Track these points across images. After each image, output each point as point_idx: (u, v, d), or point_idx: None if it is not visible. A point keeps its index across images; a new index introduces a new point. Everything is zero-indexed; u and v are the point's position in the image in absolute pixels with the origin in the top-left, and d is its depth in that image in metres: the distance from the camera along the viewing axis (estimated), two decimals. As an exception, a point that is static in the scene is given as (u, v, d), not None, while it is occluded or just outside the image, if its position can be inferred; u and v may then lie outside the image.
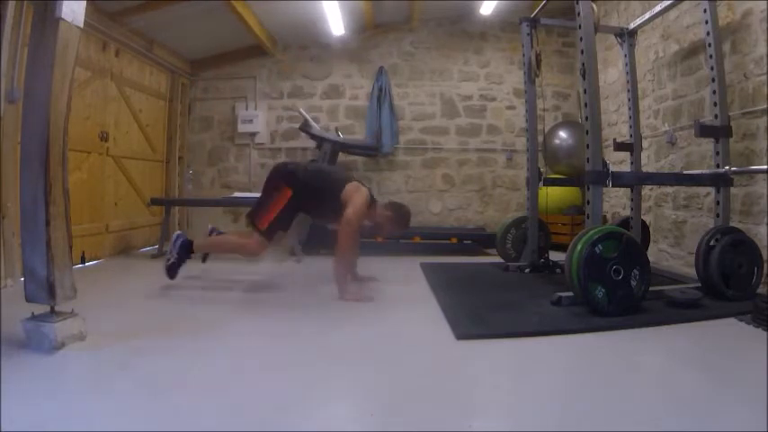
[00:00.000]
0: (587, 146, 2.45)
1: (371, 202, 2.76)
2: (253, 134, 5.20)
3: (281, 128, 5.25)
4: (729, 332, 2.01)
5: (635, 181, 3.18)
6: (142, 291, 2.73)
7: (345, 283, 2.64)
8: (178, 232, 2.82)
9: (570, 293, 2.33)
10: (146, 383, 1.48)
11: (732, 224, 2.70)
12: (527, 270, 3.38)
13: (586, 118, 2.48)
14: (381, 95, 5.05)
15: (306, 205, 2.78)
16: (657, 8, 3.17)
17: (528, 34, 3.47)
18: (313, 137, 4.47)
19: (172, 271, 2.72)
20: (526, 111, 3.57)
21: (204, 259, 3.08)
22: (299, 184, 2.71)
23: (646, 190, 3.82)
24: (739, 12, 2.85)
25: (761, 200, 2.72)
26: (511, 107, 5.24)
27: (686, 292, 2.37)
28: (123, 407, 1.32)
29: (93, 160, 3.77)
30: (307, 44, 5.19)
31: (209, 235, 2.98)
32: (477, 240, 4.43)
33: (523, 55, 3.53)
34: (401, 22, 5.14)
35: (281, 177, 2.75)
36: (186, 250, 2.73)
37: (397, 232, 2.97)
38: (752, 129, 2.77)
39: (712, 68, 2.73)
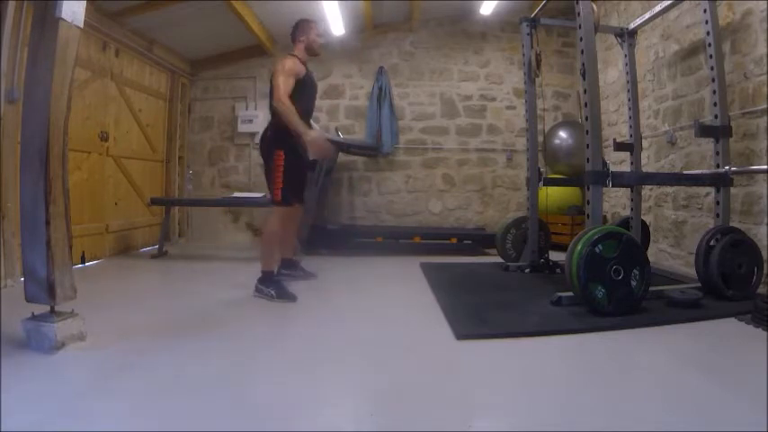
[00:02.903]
0: (587, 146, 2.45)
1: (294, 63, 2.72)
2: (253, 134, 5.19)
3: (281, 128, 5.24)
4: (729, 332, 2.01)
5: (635, 181, 3.18)
6: (142, 291, 2.73)
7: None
8: (255, 289, 2.67)
9: (570, 293, 2.33)
10: (146, 383, 1.48)
11: (732, 224, 2.69)
12: (527, 270, 3.38)
13: (586, 118, 2.47)
14: (381, 95, 5.05)
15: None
16: (657, 8, 3.17)
17: (528, 34, 3.47)
18: (313, 137, 4.46)
19: (287, 297, 2.58)
20: (526, 111, 3.57)
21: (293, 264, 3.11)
22: (287, 140, 2.68)
23: (646, 190, 3.82)
24: (739, 12, 2.84)
25: (761, 200, 2.72)
26: (511, 107, 5.23)
27: (686, 292, 2.37)
28: (123, 407, 1.32)
29: (93, 160, 3.77)
30: (307, 44, 5.17)
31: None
32: (477, 240, 4.42)
33: (523, 55, 3.53)
34: (401, 22, 5.13)
35: (269, 144, 2.72)
36: (270, 280, 2.65)
37: (317, 39, 2.91)
38: (752, 129, 2.77)
39: (712, 68, 2.73)
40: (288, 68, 2.66)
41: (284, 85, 2.61)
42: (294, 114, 2.57)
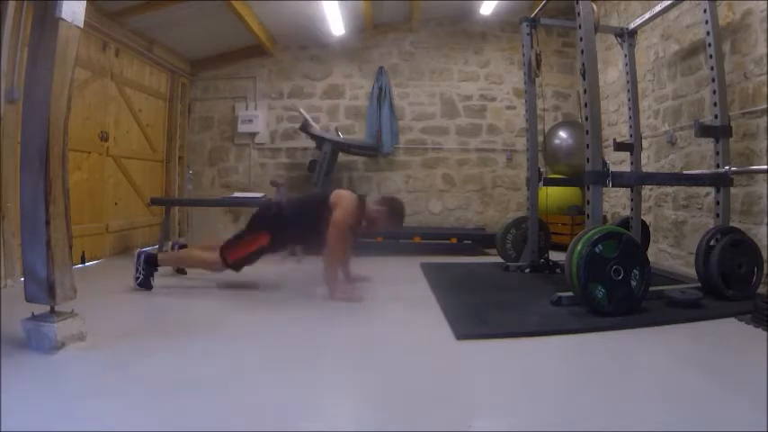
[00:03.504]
0: (587, 146, 2.45)
1: (361, 203, 2.76)
2: (253, 134, 5.20)
3: (281, 128, 5.25)
4: (729, 332, 2.01)
5: (635, 181, 3.18)
6: (142, 291, 2.73)
7: (336, 284, 2.65)
8: (138, 250, 2.84)
9: (570, 293, 2.33)
10: (146, 384, 1.48)
11: (732, 224, 2.70)
12: (527, 270, 3.38)
13: (586, 118, 2.47)
14: (381, 95, 5.05)
15: (292, 240, 2.91)
16: (657, 8, 3.17)
17: (528, 34, 3.47)
18: (313, 137, 4.47)
19: (145, 286, 2.73)
20: (526, 111, 3.57)
21: (181, 271, 3.17)
22: (280, 228, 2.77)
23: (646, 190, 3.82)
24: (739, 12, 2.85)
25: (761, 200, 2.72)
26: (511, 107, 5.24)
27: (686, 292, 2.37)
28: (123, 407, 1.32)
29: (94, 160, 3.77)
30: (307, 44, 5.19)
31: (173, 249, 3.13)
32: (477, 240, 4.43)
33: (523, 55, 3.53)
34: (401, 22, 5.14)
35: (263, 221, 2.84)
36: (151, 264, 2.75)
37: (393, 226, 2.97)
38: (752, 129, 2.77)
39: (712, 68, 2.73)
40: (350, 208, 2.65)
41: (347, 215, 2.62)
42: (341, 249, 2.63)
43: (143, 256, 2.75)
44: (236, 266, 2.76)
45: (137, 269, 2.73)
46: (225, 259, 2.72)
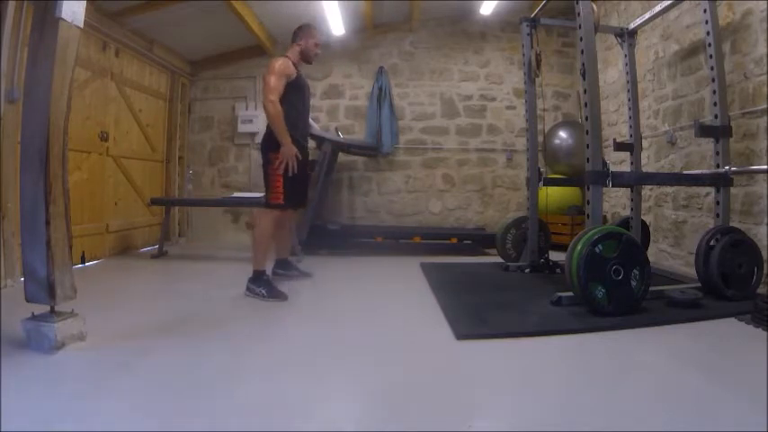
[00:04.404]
0: (587, 146, 2.45)
1: (286, 63, 2.74)
2: (253, 134, 5.19)
3: (281, 128, 5.24)
4: (729, 332, 2.01)
5: (635, 181, 3.18)
6: (142, 291, 2.73)
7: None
8: (247, 289, 2.69)
9: (570, 293, 2.33)
10: (145, 384, 1.48)
11: (732, 224, 2.70)
12: (527, 270, 3.38)
13: (586, 118, 2.48)
14: (381, 95, 5.05)
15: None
16: (657, 8, 3.17)
17: (528, 34, 3.47)
18: (313, 137, 4.46)
19: (278, 295, 2.60)
20: (526, 111, 3.57)
21: (287, 266, 3.14)
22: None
23: (646, 190, 3.82)
24: (739, 12, 2.84)
25: (761, 200, 2.72)
26: (511, 107, 5.23)
27: (686, 292, 2.37)
28: (123, 407, 1.32)
29: (94, 160, 3.77)
30: (307, 44, 5.18)
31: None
32: (477, 240, 4.42)
33: (523, 55, 3.53)
34: (401, 22, 5.13)
35: (267, 145, 2.76)
36: (261, 278, 2.66)
37: (314, 48, 2.91)
38: (752, 129, 2.77)
39: (712, 68, 2.73)
40: (278, 69, 2.68)
41: (274, 84, 2.63)
42: (279, 116, 2.61)
43: (251, 284, 2.65)
44: (287, 204, 2.71)
45: (258, 293, 2.61)
46: (272, 206, 2.69)
